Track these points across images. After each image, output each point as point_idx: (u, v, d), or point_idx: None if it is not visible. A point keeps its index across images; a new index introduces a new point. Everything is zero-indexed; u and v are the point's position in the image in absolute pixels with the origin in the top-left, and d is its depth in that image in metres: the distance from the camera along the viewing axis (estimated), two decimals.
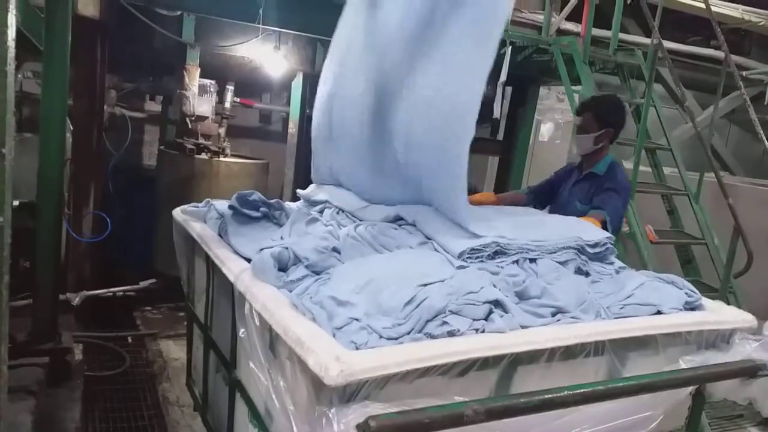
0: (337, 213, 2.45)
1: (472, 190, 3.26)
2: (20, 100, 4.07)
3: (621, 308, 1.94)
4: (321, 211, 2.53)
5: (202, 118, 4.95)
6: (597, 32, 4.82)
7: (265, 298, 1.72)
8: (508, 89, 5.97)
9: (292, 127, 6.00)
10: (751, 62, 7.69)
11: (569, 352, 1.70)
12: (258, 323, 1.70)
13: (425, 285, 1.69)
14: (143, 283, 4.92)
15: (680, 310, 2.02)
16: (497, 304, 1.69)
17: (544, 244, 2.06)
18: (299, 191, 2.82)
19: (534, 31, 6.03)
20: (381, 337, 1.51)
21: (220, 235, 2.31)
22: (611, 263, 2.23)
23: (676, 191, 4.32)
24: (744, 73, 6.84)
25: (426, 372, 1.44)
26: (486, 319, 1.64)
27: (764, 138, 4.21)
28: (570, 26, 6.22)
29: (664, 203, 4.45)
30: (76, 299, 4.31)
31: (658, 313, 1.97)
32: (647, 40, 5.86)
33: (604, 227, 2.70)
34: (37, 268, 3.17)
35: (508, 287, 1.80)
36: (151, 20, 4.33)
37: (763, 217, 4.71)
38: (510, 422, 1.47)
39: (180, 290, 2.93)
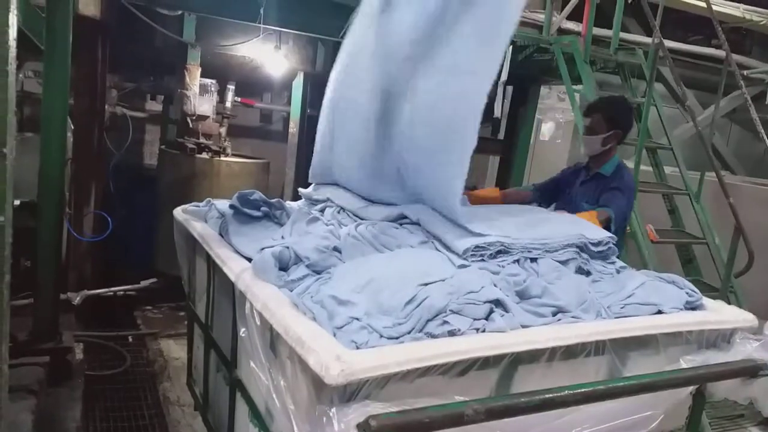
0: (338, 212, 2.45)
1: (471, 189, 3.26)
2: (21, 100, 4.07)
3: (622, 308, 1.94)
4: (322, 210, 2.53)
5: (203, 118, 4.96)
6: (598, 31, 4.81)
7: (266, 297, 1.72)
8: (509, 88, 5.97)
9: (293, 127, 6.01)
10: (752, 61, 7.67)
11: (570, 352, 1.70)
12: (259, 323, 1.70)
13: (426, 284, 1.69)
14: (144, 283, 4.94)
15: (681, 309, 2.02)
16: (498, 303, 1.69)
17: (548, 242, 2.05)
18: (301, 190, 2.83)
19: (535, 30, 6.02)
20: (381, 336, 1.51)
21: (221, 235, 2.31)
22: (612, 263, 2.23)
23: (677, 190, 4.31)
24: (745, 72, 6.85)
25: (426, 371, 1.44)
26: (487, 318, 1.65)
27: (765, 137, 4.19)
28: (571, 25, 6.22)
29: (665, 202, 4.44)
30: (76, 298, 4.31)
31: (659, 312, 1.97)
32: (648, 40, 5.86)
33: (609, 224, 2.70)
34: (38, 268, 3.17)
35: (509, 287, 1.80)
36: (152, 20, 4.34)
37: (764, 217, 4.70)
38: (510, 422, 1.47)
39: (181, 290, 2.94)
